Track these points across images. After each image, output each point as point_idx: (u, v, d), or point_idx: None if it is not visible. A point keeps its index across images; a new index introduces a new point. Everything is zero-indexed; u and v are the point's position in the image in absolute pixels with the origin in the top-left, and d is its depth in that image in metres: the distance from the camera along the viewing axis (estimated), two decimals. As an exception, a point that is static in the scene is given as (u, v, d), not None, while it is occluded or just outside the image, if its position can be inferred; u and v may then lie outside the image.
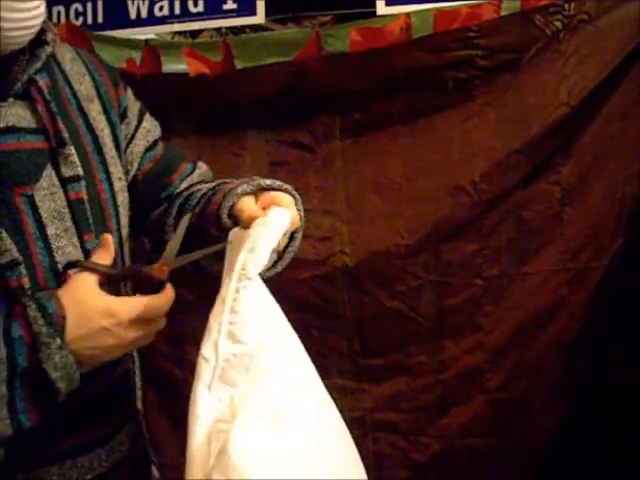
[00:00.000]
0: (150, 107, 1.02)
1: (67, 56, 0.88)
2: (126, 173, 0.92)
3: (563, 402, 1.62)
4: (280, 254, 0.87)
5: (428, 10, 1.59)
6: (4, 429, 0.68)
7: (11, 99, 0.77)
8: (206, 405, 0.65)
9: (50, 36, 0.81)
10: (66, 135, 0.80)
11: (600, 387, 1.57)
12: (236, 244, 0.75)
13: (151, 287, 0.76)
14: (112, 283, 0.77)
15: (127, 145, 0.94)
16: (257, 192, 0.83)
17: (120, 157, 0.90)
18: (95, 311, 0.72)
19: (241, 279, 0.70)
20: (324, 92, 1.63)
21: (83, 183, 0.81)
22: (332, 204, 1.68)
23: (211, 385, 0.66)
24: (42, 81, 0.81)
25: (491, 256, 1.63)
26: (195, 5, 1.76)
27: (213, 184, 0.93)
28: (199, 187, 0.96)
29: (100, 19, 1.80)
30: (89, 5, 1.81)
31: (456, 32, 1.56)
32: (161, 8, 1.78)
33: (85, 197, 0.81)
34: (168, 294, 0.76)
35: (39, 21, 0.77)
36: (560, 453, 1.61)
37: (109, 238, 0.79)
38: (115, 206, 0.87)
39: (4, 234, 0.72)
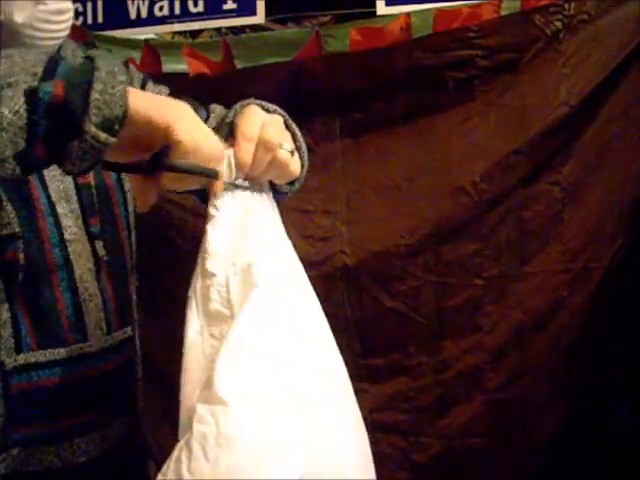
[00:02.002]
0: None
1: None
2: None
3: (563, 402, 1.62)
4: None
5: (428, 10, 1.60)
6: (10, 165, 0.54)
7: None
8: (197, 347, 0.62)
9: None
10: None
11: (600, 387, 1.57)
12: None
13: None
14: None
15: None
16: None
17: None
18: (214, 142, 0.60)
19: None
20: (324, 92, 1.63)
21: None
22: (332, 204, 1.68)
23: (201, 327, 0.63)
24: None
25: (491, 256, 1.63)
26: (195, 5, 1.77)
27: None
28: None
29: (100, 19, 1.80)
30: (89, 5, 1.81)
31: (456, 32, 1.56)
32: (161, 8, 1.78)
33: (92, 182, 0.82)
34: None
35: (67, 31, 0.79)
36: (560, 453, 1.60)
37: None
38: (122, 192, 0.88)
39: (9, 207, 0.72)
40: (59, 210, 0.78)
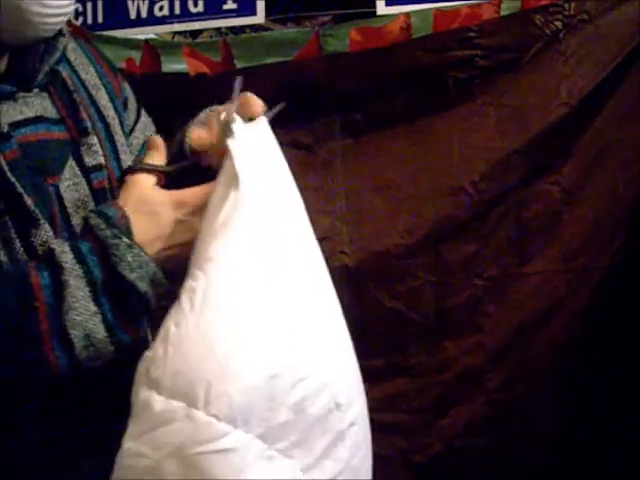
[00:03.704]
0: (150, 107, 1.02)
1: (70, 46, 0.89)
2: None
3: (563, 402, 1.62)
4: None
5: (428, 10, 1.60)
6: (107, 349, 0.66)
7: (36, 90, 0.78)
8: None
9: (65, 27, 0.82)
10: (89, 125, 0.81)
11: (600, 387, 1.57)
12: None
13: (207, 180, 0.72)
14: (169, 181, 0.73)
15: (128, 135, 0.94)
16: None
17: (127, 146, 0.91)
18: (164, 205, 0.70)
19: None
20: (324, 92, 1.63)
21: (105, 172, 0.81)
22: (332, 204, 1.68)
23: None
24: (64, 72, 0.82)
25: (491, 256, 1.63)
26: (195, 5, 1.76)
27: None
28: None
29: (100, 19, 1.80)
30: (89, 5, 1.81)
31: (456, 32, 1.56)
32: (161, 8, 1.78)
33: (107, 186, 0.81)
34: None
35: (72, 9, 0.78)
36: (560, 453, 1.60)
37: (158, 138, 0.77)
38: None
39: (46, 225, 0.72)
40: (75, 221, 0.77)
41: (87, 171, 0.80)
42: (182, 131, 0.80)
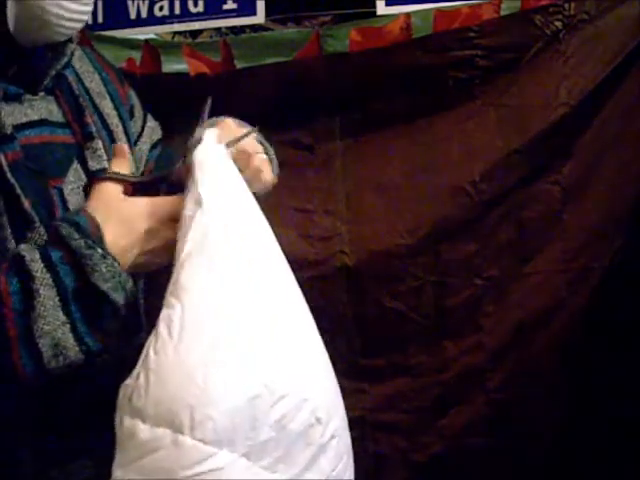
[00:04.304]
0: (150, 107, 1.02)
1: (76, 53, 0.89)
2: (136, 170, 0.93)
3: (563, 402, 1.62)
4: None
5: (428, 10, 1.60)
6: (76, 357, 0.66)
7: (42, 93, 0.79)
8: None
9: (74, 34, 0.83)
10: (94, 129, 0.82)
11: (600, 387, 1.57)
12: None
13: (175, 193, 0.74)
14: (136, 192, 0.74)
15: (135, 142, 0.95)
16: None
17: (132, 153, 0.91)
18: (134, 213, 0.70)
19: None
20: (324, 92, 1.63)
21: None
22: (332, 204, 1.68)
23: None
24: (71, 77, 0.83)
25: (491, 256, 1.63)
26: (195, 5, 1.76)
27: None
28: None
29: (100, 19, 1.80)
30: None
31: (456, 32, 1.56)
32: (161, 8, 1.78)
33: None
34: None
35: (88, 16, 0.79)
36: (560, 453, 1.60)
37: (124, 147, 0.78)
38: None
39: (41, 229, 0.72)
40: None
41: (91, 175, 0.80)
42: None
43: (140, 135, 0.96)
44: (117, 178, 0.73)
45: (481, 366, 1.65)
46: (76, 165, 0.80)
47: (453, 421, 1.67)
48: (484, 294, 1.64)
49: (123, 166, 0.76)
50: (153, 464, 0.58)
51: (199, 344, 0.60)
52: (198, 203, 0.66)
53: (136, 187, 0.74)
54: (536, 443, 1.63)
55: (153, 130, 0.99)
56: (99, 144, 0.82)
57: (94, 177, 0.76)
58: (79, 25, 0.78)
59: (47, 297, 0.65)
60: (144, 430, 0.58)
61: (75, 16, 0.76)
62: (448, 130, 1.62)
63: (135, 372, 0.61)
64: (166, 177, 0.77)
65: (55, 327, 0.65)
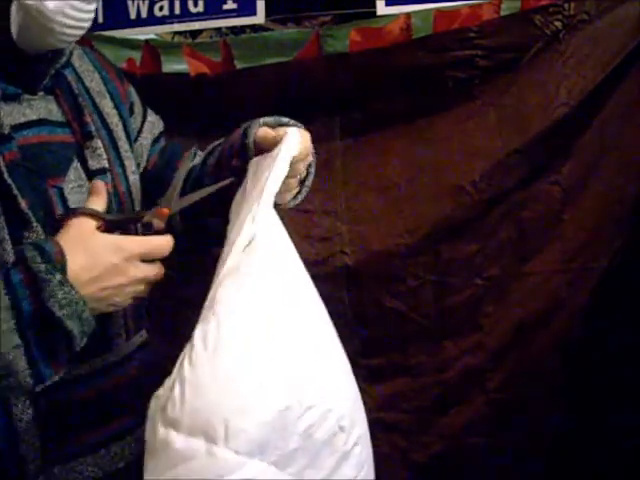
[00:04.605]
0: (150, 107, 1.03)
1: (75, 52, 0.89)
2: (137, 166, 0.93)
3: (563, 402, 1.62)
4: (300, 186, 0.89)
5: (428, 10, 1.59)
6: (25, 381, 0.66)
7: (41, 93, 0.79)
8: None
9: None
10: (93, 128, 0.82)
11: (600, 387, 1.57)
12: (259, 170, 0.76)
13: (149, 234, 0.76)
14: (109, 229, 0.75)
15: (135, 139, 0.95)
16: (275, 126, 0.83)
17: (132, 151, 0.91)
18: (102, 247, 0.71)
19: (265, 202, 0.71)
20: (324, 92, 1.63)
21: (109, 175, 0.83)
22: (332, 204, 1.68)
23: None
24: (70, 76, 0.83)
25: (491, 256, 1.63)
26: (195, 5, 1.76)
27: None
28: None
29: (100, 19, 1.80)
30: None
31: (456, 32, 1.56)
32: (161, 8, 1.78)
33: (111, 190, 0.83)
34: (169, 237, 0.75)
35: (90, 23, 0.80)
36: (560, 453, 1.60)
37: (101, 184, 0.78)
38: (131, 199, 0.89)
39: (39, 228, 0.73)
40: None
41: (91, 174, 0.81)
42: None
43: (140, 131, 0.97)
44: (91, 214, 0.74)
45: (481, 366, 1.65)
46: (76, 164, 0.80)
47: (453, 421, 1.67)
48: (484, 294, 1.64)
49: (100, 203, 0.76)
50: (186, 473, 0.59)
51: (234, 358, 0.62)
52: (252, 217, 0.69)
53: (110, 225, 0.75)
54: (536, 443, 1.63)
55: (154, 125, 1.00)
56: (99, 143, 0.82)
57: (68, 214, 0.76)
58: (82, 32, 0.79)
59: (3, 320, 0.65)
60: (178, 440, 0.59)
61: (78, 23, 0.77)
62: (448, 130, 1.62)
63: (168, 383, 0.62)
64: (138, 218, 0.78)
65: (8, 349, 0.65)
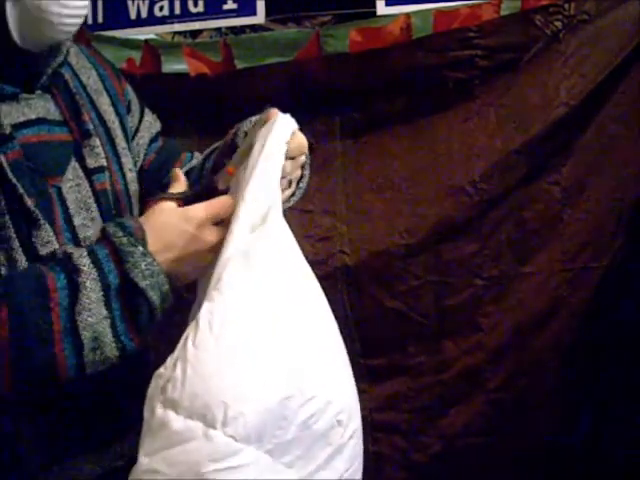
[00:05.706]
0: (150, 107, 1.03)
1: (72, 50, 0.89)
2: (134, 164, 0.93)
3: (563, 402, 1.62)
4: (294, 187, 0.88)
5: (428, 10, 1.60)
6: (112, 353, 0.68)
7: (39, 92, 0.79)
8: None
9: None
10: (91, 127, 0.82)
11: (600, 387, 1.57)
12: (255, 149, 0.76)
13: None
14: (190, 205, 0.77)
15: (132, 137, 0.95)
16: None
17: (129, 149, 0.91)
18: (174, 219, 0.72)
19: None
20: (324, 92, 1.63)
21: (107, 174, 0.83)
22: (332, 204, 1.68)
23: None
24: (67, 74, 0.83)
25: (491, 256, 1.63)
26: (195, 5, 1.76)
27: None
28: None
29: (100, 19, 1.80)
30: (89, 5, 1.81)
31: (456, 32, 1.56)
32: (161, 8, 1.78)
33: (109, 188, 0.83)
34: (228, 196, 0.76)
35: (87, 10, 0.80)
36: (560, 453, 1.61)
37: (178, 171, 0.80)
38: (129, 197, 0.89)
39: (47, 226, 0.73)
40: (77, 222, 0.78)
41: (89, 172, 0.81)
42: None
43: (137, 130, 0.96)
44: (166, 197, 0.76)
45: (481, 366, 1.65)
46: (74, 163, 0.80)
47: (453, 421, 1.67)
48: (484, 294, 1.64)
49: (178, 188, 0.78)
50: (181, 455, 0.59)
51: (239, 343, 0.62)
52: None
53: (189, 200, 0.76)
54: (536, 443, 1.63)
55: (151, 124, 1.00)
56: (96, 141, 0.82)
57: (151, 198, 0.78)
58: (79, 20, 0.78)
59: (92, 290, 0.66)
60: (177, 421, 0.59)
61: (75, 12, 0.76)
62: (448, 130, 1.62)
63: (170, 362, 0.62)
64: (213, 187, 0.79)
65: (97, 320, 0.66)
